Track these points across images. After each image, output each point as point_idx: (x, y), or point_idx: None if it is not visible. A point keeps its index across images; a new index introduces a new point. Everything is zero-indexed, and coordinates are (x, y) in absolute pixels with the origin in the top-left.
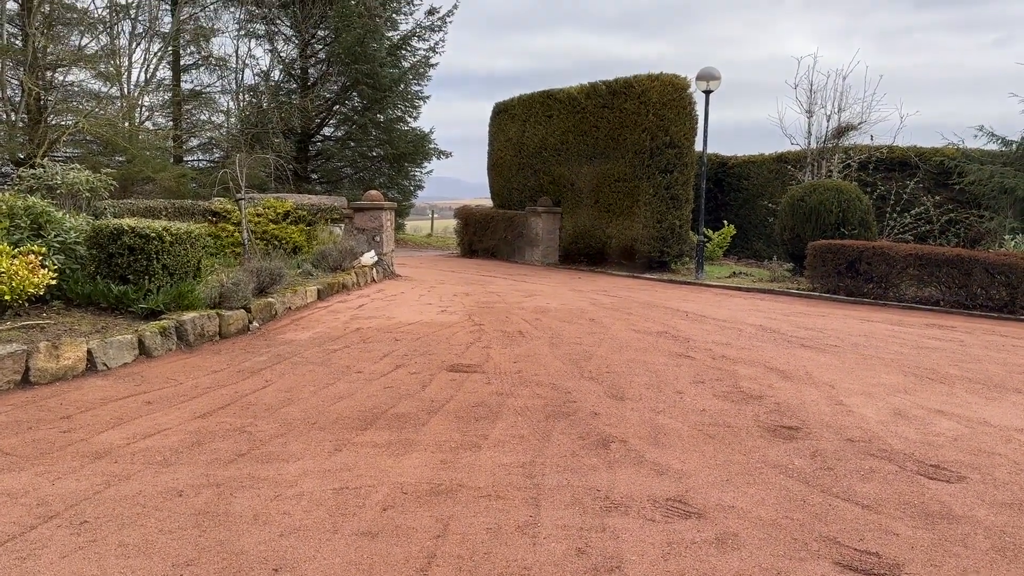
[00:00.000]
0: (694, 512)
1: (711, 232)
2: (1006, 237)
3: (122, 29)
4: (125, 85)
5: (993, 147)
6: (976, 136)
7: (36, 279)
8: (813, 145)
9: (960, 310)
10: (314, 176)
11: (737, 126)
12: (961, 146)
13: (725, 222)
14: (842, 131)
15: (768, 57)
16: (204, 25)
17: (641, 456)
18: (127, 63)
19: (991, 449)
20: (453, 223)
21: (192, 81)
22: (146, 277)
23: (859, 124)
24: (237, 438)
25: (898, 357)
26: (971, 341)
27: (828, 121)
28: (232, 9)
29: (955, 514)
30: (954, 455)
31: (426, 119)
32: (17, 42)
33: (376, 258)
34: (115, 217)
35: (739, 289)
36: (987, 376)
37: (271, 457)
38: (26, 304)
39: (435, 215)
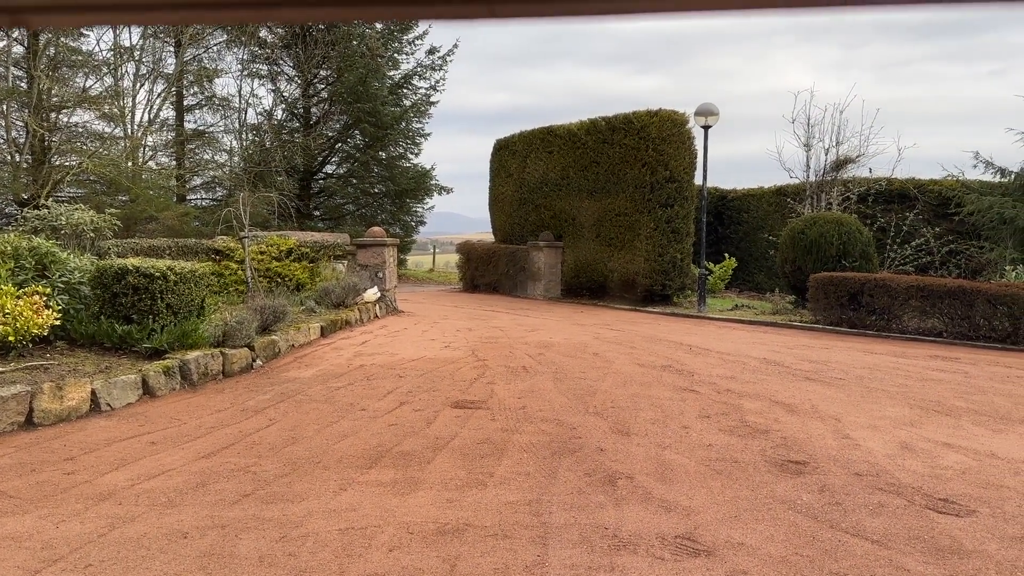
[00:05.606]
0: (703, 550)
1: (712, 265)
2: (1007, 268)
3: (126, 71)
4: (129, 125)
5: (991, 177)
6: (975, 166)
7: (40, 320)
8: (812, 178)
9: (963, 341)
10: (317, 213)
11: (736, 160)
12: (960, 177)
13: (726, 255)
14: (840, 164)
15: (765, 91)
16: (207, 66)
17: (648, 493)
18: (131, 104)
19: (1000, 482)
20: (455, 258)
21: (195, 121)
22: (150, 316)
23: (857, 157)
24: (242, 478)
25: (903, 389)
26: (976, 372)
27: (826, 154)
28: (235, 50)
29: (965, 549)
30: (962, 488)
31: (427, 155)
32: (22, 84)
33: (379, 294)
34: (119, 256)
35: (742, 322)
36: (993, 408)
37: (276, 497)
38: (30, 345)
39: (437, 250)
